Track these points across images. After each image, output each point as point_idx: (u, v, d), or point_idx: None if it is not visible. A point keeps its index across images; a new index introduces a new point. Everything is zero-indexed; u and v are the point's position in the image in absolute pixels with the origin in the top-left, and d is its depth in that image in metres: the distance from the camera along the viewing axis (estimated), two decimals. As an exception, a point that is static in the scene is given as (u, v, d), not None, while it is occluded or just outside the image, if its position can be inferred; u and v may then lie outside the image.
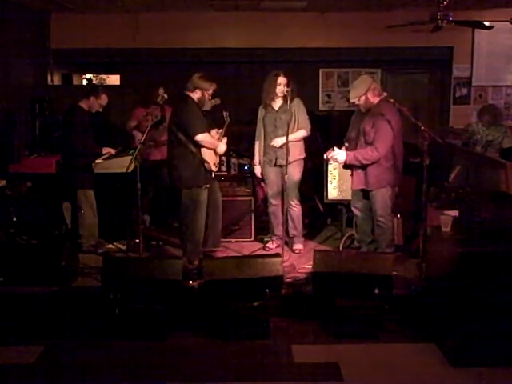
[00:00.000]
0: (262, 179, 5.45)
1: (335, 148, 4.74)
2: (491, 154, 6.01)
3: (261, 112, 5.25)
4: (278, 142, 5.03)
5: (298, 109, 5.11)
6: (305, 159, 5.25)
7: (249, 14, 7.20)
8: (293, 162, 5.09)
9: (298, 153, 5.14)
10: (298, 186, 5.22)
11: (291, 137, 5.03)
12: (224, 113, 5.10)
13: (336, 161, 4.78)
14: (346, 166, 4.86)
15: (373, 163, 4.60)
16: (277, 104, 5.13)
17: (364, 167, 4.65)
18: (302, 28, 7.32)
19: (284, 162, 4.98)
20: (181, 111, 4.67)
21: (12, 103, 6.31)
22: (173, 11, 7.11)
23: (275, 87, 5.03)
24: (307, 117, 5.17)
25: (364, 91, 4.58)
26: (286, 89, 4.96)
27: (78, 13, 7.07)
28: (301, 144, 5.17)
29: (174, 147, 4.74)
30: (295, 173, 5.15)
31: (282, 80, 5.01)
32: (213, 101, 4.88)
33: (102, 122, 5.71)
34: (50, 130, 6.56)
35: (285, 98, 5.01)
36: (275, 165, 5.14)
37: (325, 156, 4.84)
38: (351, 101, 4.72)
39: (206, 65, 6.68)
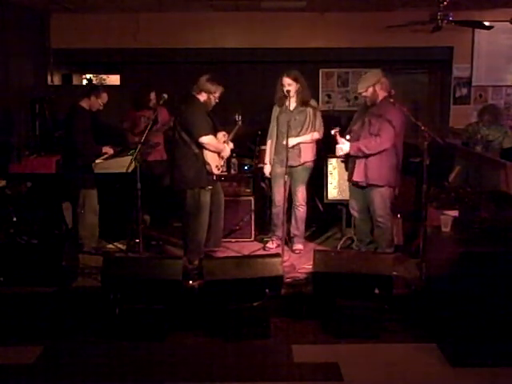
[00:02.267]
0: (263, 179, 5.45)
1: (343, 139, 4.73)
2: (491, 154, 6.01)
3: (275, 111, 5.23)
4: (290, 141, 4.99)
5: (314, 111, 5.12)
6: (315, 160, 5.25)
7: (249, 14, 7.19)
8: (304, 163, 5.10)
9: (309, 154, 5.14)
10: (305, 187, 5.23)
11: (302, 138, 5.05)
12: (236, 116, 5.10)
13: (341, 150, 4.77)
14: (343, 159, 4.87)
15: (375, 158, 4.59)
16: (292, 104, 5.11)
17: (367, 160, 4.63)
18: (302, 28, 7.32)
19: (294, 163, 4.99)
20: (186, 112, 4.66)
21: (12, 103, 6.31)
22: (173, 11, 7.11)
23: (280, 87, 5.02)
24: (322, 120, 5.18)
25: (372, 83, 4.59)
26: (288, 89, 4.97)
27: (77, 13, 7.07)
28: (313, 146, 5.17)
29: (177, 147, 4.73)
30: (304, 174, 5.16)
31: (284, 80, 5.00)
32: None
33: (101, 121, 5.71)
34: (49, 129, 6.55)
35: (297, 98, 5.01)
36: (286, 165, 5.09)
37: (332, 131, 4.81)
38: (359, 91, 4.73)
39: (206, 65, 6.68)
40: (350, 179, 4.88)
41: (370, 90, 4.62)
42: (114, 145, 5.48)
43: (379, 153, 4.60)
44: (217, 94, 4.73)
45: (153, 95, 5.95)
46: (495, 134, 6.17)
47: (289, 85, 4.98)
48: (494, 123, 6.23)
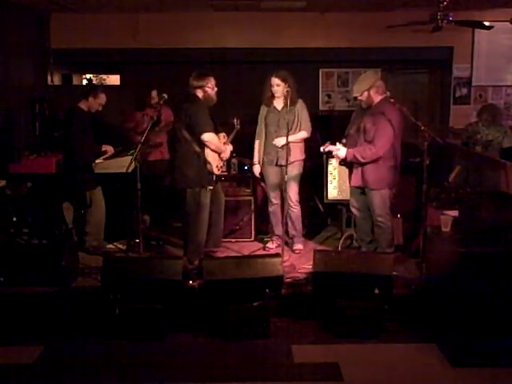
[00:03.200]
0: (261, 179, 5.46)
1: (337, 143, 4.74)
2: (491, 154, 6.01)
3: (262, 111, 5.25)
4: (280, 141, 5.02)
5: (302, 110, 5.14)
6: (304, 159, 5.27)
7: (249, 14, 7.19)
8: (293, 162, 5.11)
9: (298, 153, 5.15)
10: (297, 187, 5.23)
11: (293, 137, 5.05)
12: (235, 119, 5.11)
13: (337, 156, 4.78)
14: (343, 163, 4.87)
15: (372, 162, 4.59)
16: (279, 104, 5.13)
17: (363, 165, 4.64)
18: (302, 28, 7.32)
19: (284, 163, 5.00)
20: (189, 110, 4.66)
21: (12, 103, 6.30)
22: (173, 11, 7.11)
23: (269, 87, 5.07)
24: (309, 119, 5.20)
25: (367, 87, 4.57)
26: (277, 89, 4.98)
27: (78, 13, 7.07)
28: (301, 145, 5.19)
29: (178, 147, 4.73)
30: (295, 173, 5.16)
31: (273, 81, 5.04)
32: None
33: (101, 121, 5.71)
34: (49, 129, 6.55)
35: (285, 98, 5.02)
36: (276, 164, 5.14)
37: (321, 149, 4.84)
38: (353, 95, 4.72)
39: (205, 65, 6.67)
40: (349, 181, 4.88)
41: (365, 94, 4.60)
42: (114, 145, 5.48)
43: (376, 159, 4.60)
44: (211, 84, 4.73)
45: (154, 93, 5.96)
46: (495, 134, 6.17)
47: (277, 85, 5.02)
48: (493, 122, 6.23)
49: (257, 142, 5.32)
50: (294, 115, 5.09)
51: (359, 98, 4.65)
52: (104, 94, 5.26)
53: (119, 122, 6.16)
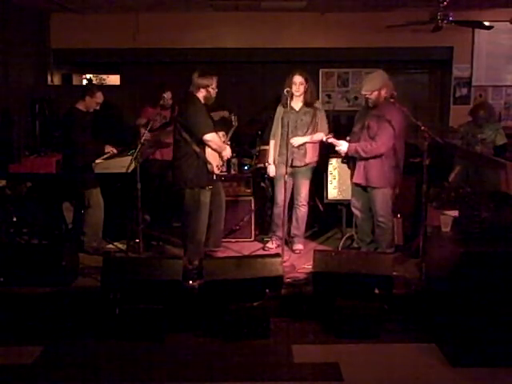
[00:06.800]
0: (263, 179, 5.45)
1: (340, 141, 4.74)
2: (486, 153, 5.99)
3: (279, 111, 5.21)
4: (297, 140, 5.00)
5: (319, 112, 5.14)
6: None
7: (249, 14, 7.20)
8: (309, 163, 5.12)
9: (314, 155, 5.15)
10: (308, 187, 5.24)
11: (309, 138, 5.06)
12: (232, 117, 5.09)
13: (339, 151, 4.78)
14: (345, 160, 4.87)
15: (375, 160, 4.59)
16: (297, 105, 5.10)
17: (367, 162, 4.64)
18: (302, 28, 7.32)
19: (299, 164, 5.00)
20: (187, 111, 4.65)
21: (12, 103, 6.30)
22: (173, 11, 7.12)
23: (291, 86, 4.97)
24: (326, 120, 5.20)
25: (379, 87, 4.57)
26: (299, 87, 4.96)
27: (78, 13, 7.07)
28: (317, 146, 5.17)
29: (178, 147, 4.72)
30: (308, 174, 5.18)
31: (296, 79, 4.98)
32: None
33: (102, 121, 5.71)
34: (49, 129, 6.56)
35: (304, 98, 5.01)
36: (291, 166, 5.05)
37: (324, 138, 4.83)
38: (362, 93, 4.70)
39: (205, 65, 6.67)
40: (352, 179, 4.88)
41: (376, 93, 4.60)
42: (114, 145, 5.48)
43: (378, 156, 4.60)
44: (214, 85, 4.70)
45: (168, 95, 5.93)
46: (487, 132, 6.13)
47: (300, 83, 4.97)
48: (487, 120, 6.18)
49: (272, 142, 5.28)
50: (311, 116, 5.08)
51: (368, 96, 4.64)
52: (100, 92, 5.25)
53: (124, 121, 6.12)
